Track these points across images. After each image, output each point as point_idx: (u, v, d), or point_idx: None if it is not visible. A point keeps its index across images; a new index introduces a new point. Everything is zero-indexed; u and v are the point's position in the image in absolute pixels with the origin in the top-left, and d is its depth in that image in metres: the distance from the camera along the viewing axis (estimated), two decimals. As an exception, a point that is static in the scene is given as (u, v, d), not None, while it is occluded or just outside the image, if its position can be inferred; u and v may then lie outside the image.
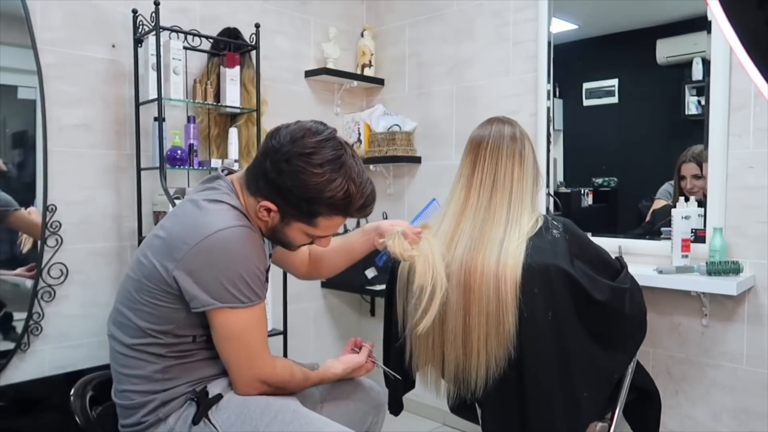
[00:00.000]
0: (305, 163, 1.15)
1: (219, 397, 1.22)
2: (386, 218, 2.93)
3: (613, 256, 1.55)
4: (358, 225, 2.68)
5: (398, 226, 1.44)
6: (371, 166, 2.93)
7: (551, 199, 2.39)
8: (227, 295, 1.14)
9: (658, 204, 2.20)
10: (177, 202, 1.19)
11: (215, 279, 1.14)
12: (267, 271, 1.29)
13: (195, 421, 1.18)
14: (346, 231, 2.56)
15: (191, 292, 1.14)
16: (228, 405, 1.21)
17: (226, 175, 1.30)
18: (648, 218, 2.22)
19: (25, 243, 2.06)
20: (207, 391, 1.22)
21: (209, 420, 1.19)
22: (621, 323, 1.47)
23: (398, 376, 1.54)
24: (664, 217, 2.12)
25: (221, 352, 1.22)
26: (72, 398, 1.32)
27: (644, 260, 2.10)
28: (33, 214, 2.05)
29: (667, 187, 2.18)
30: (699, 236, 1.98)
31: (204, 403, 1.20)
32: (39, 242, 2.03)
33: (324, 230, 1.25)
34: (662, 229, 2.12)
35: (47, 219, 2.05)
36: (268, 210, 1.21)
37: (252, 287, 1.17)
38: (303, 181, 1.15)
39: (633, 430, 1.76)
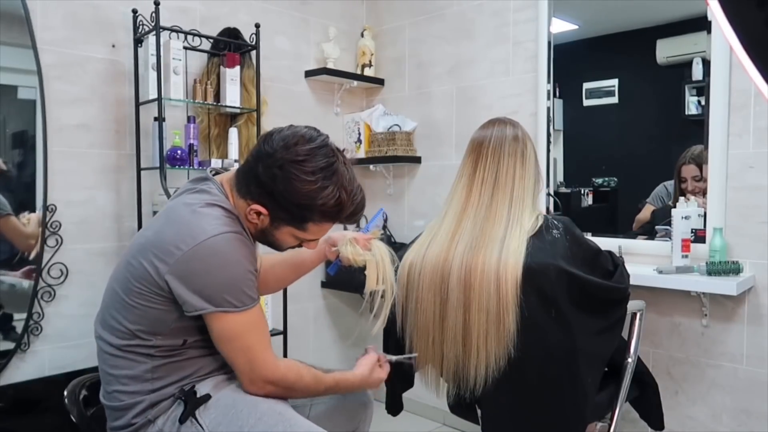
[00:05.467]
0: (298, 170, 1.16)
1: (207, 397, 1.22)
2: (386, 219, 2.94)
3: (609, 252, 1.57)
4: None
5: (349, 235, 1.48)
6: (371, 166, 2.93)
7: (551, 199, 2.39)
8: (221, 300, 1.15)
9: (647, 210, 2.20)
10: (166, 203, 1.19)
11: (208, 284, 1.14)
12: (257, 271, 1.29)
13: (182, 420, 1.18)
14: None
15: (183, 297, 1.14)
16: (216, 405, 1.21)
17: (213, 175, 1.29)
18: (634, 226, 2.23)
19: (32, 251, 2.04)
20: (195, 391, 1.22)
21: (196, 419, 1.19)
22: (616, 313, 1.51)
23: (414, 354, 1.53)
24: (663, 216, 2.12)
25: (223, 354, 1.22)
26: (66, 401, 1.32)
27: (644, 260, 2.10)
28: (32, 220, 2.02)
29: (661, 189, 2.18)
30: (699, 236, 1.98)
31: (191, 402, 1.20)
32: (39, 242, 2.03)
33: (313, 234, 1.28)
34: (657, 227, 2.13)
35: (47, 219, 2.05)
36: (258, 213, 1.22)
37: (245, 291, 1.17)
38: (295, 187, 1.16)
39: (641, 416, 1.83)
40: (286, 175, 1.16)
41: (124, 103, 2.24)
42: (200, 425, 1.19)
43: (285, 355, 2.47)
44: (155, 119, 2.14)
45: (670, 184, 2.16)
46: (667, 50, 2.17)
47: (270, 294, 1.72)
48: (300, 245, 1.33)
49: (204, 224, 1.16)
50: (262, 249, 1.40)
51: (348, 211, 1.23)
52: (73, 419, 1.30)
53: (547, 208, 2.38)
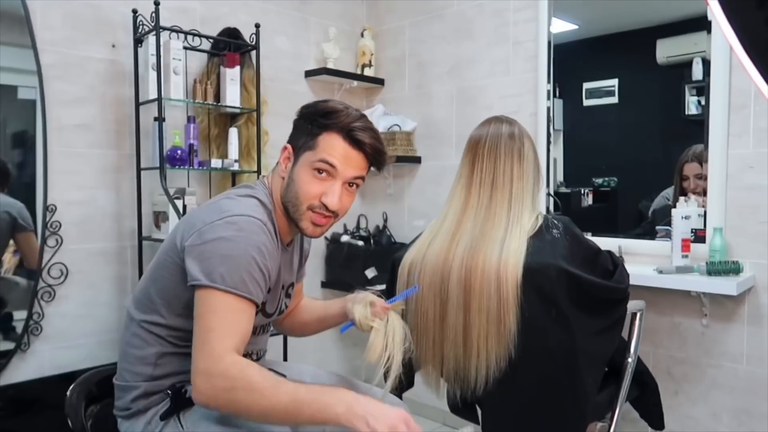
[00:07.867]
0: (315, 102, 1.30)
1: None
2: (386, 219, 2.94)
3: (608, 252, 1.57)
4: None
5: (369, 297, 1.38)
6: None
7: (551, 199, 2.39)
8: (215, 273, 1.10)
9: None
10: (178, 201, 1.21)
11: (212, 254, 1.12)
12: (284, 286, 1.29)
13: (162, 417, 1.19)
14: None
15: (188, 267, 1.13)
16: (201, 408, 1.18)
17: None
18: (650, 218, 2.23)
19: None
20: (185, 390, 1.21)
21: (179, 419, 1.20)
22: (616, 313, 1.50)
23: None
24: (663, 216, 2.12)
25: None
26: (68, 395, 1.31)
27: (644, 260, 2.10)
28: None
29: (661, 201, 2.18)
30: (699, 236, 1.98)
31: (176, 402, 1.20)
32: (39, 242, 2.04)
33: (324, 152, 1.21)
34: (657, 227, 2.12)
35: (47, 219, 2.05)
36: (288, 155, 1.27)
37: (244, 278, 1.12)
38: (308, 106, 1.29)
39: (641, 416, 1.82)
40: (305, 106, 1.29)
41: (124, 103, 2.24)
42: (181, 425, 1.20)
43: (285, 357, 2.47)
44: (155, 119, 2.14)
45: (669, 191, 2.16)
46: (667, 50, 2.17)
47: (292, 336, 1.69)
48: (320, 203, 1.23)
49: (233, 206, 1.20)
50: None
51: (343, 119, 1.22)
52: (69, 420, 1.29)
53: (547, 208, 2.38)
